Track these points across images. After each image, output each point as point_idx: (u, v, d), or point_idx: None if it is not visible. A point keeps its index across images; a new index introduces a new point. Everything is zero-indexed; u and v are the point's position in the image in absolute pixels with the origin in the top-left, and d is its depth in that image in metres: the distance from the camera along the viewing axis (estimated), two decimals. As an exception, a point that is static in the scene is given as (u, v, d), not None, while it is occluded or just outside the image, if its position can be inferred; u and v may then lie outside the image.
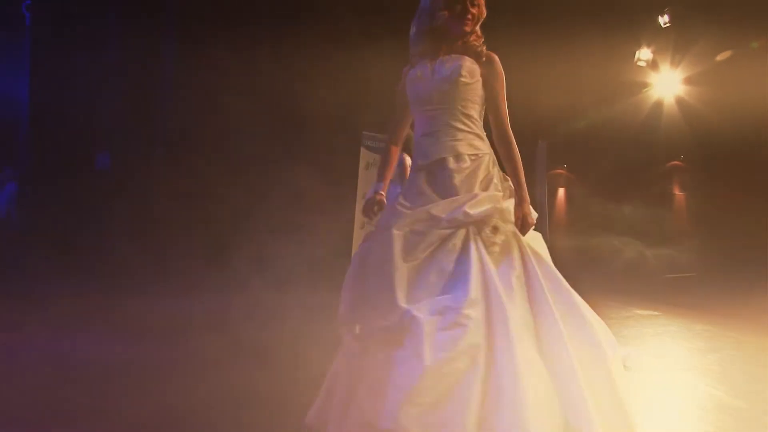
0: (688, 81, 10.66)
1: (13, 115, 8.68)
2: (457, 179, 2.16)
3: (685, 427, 2.91)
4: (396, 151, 2.50)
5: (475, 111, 2.25)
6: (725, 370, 3.93)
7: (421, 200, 2.16)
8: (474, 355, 1.87)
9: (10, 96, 8.62)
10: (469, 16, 2.23)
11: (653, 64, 10.56)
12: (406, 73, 2.36)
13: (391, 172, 2.53)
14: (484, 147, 2.24)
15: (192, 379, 3.63)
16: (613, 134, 10.88)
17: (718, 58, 9.52)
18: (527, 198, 2.18)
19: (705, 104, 10.41)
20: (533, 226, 2.17)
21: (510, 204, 2.17)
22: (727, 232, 10.67)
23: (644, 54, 10.31)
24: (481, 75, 2.24)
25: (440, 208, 2.10)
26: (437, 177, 2.19)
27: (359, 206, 7.99)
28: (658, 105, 11.25)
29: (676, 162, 13.20)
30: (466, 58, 2.24)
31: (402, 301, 1.99)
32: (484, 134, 2.27)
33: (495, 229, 2.07)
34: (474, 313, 1.91)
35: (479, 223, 2.08)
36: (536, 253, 2.10)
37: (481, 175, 2.19)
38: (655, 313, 6.20)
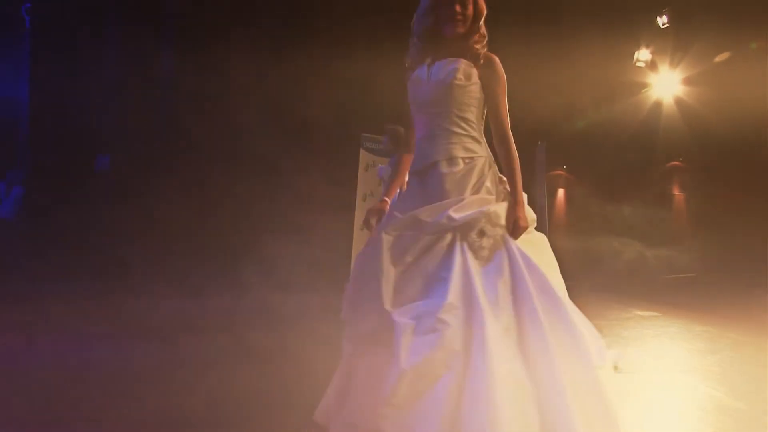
0: (687, 81, 10.67)
1: (13, 118, 8.69)
2: (449, 183, 2.15)
3: (685, 429, 2.91)
4: (408, 159, 2.44)
5: (473, 114, 2.23)
6: (725, 371, 3.93)
7: (413, 204, 2.17)
8: (449, 360, 1.89)
9: (10, 98, 8.63)
10: (459, 17, 2.22)
11: (652, 65, 10.58)
12: (410, 77, 2.36)
13: (401, 181, 2.55)
14: (480, 150, 2.22)
15: (195, 379, 3.63)
16: (612, 135, 10.89)
17: (717, 59, 9.53)
18: (522, 201, 2.16)
19: (704, 105, 10.42)
20: (526, 230, 2.14)
21: (500, 207, 2.13)
22: (726, 233, 10.68)
23: (643, 55, 10.33)
24: (480, 77, 2.22)
25: (427, 213, 2.11)
26: (430, 181, 2.20)
27: (359, 208, 8.01)
28: (657, 105, 11.26)
29: (675, 162, 13.21)
30: (463, 60, 2.22)
31: (387, 305, 2.02)
32: (481, 137, 2.25)
33: (481, 233, 2.05)
34: (450, 318, 1.92)
35: (465, 228, 2.06)
36: (526, 258, 2.05)
37: (473, 178, 2.17)
38: (655, 314, 6.21)
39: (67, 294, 6.53)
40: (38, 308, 5.78)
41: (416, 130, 2.33)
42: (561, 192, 13.30)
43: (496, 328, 1.91)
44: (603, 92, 10.30)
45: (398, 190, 2.60)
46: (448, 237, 2.07)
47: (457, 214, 2.06)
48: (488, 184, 2.18)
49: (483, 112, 2.28)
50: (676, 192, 13.45)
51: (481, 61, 2.23)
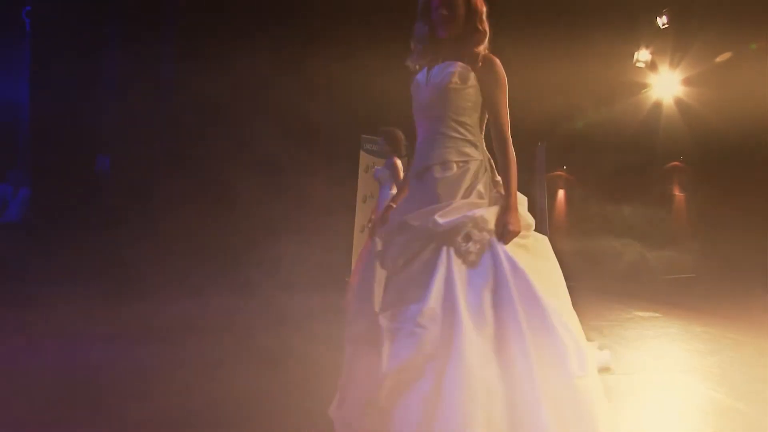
0: (687, 82, 10.66)
1: (13, 120, 8.71)
2: (441, 187, 2.15)
3: (685, 430, 2.92)
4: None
5: (470, 117, 2.21)
6: (725, 372, 3.93)
7: (409, 208, 2.20)
8: (426, 365, 1.91)
9: (10, 100, 8.65)
10: (447, 20, 2.21)
11: (652, 65, 10.58)
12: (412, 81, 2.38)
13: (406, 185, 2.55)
14: (476, 153, 2.20)
15: (198, 380, 3.64)
16: (612, 135, 10.89)
17: (718, 59, 9.52)
18: (514, 206, 2.12)
19: (704, 105, 10.42)
20: (521, 235, 2.10)
21: (489, 212, 2.10)
22: (727, 233, 10.67)
23: (643, 55, 10.33)
24: (478, 80, 2.20)
25: (415, 217, 2.12)
26: (425, 185, 2.20)
27: (360, 209, 8.04)
28: (657, 106, 11.26)
29: (675, 163, 13.21)
30: (460, 63, 2.20)
31: (376, 308, 2.07)
32: (479, 140, 2.22)
33: (467, 238, 2.04)
34: (428, 323, 1.94)
35: (451, 232, 2.05)
36: (513, 263, 2.01)
37: (466, 182, 2.15)
38: (656, 314, 6.21)
39: (69, 295, 6.52)
40: (41, 310, 5.78)
41: (418, 133, 2.33)
42: (561, 193, 13.30)
43: (474, 334, 1.90)
44: (603, 93, 10.30)
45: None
46: (435, 242, 2.07)
47: (442, 219, 2.06)
48: (480, 188, 2.16)
49: (483, 115, 2.25)
50: (676, 192, 13.44)
51: (480, 63, 2.20)
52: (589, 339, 2.11)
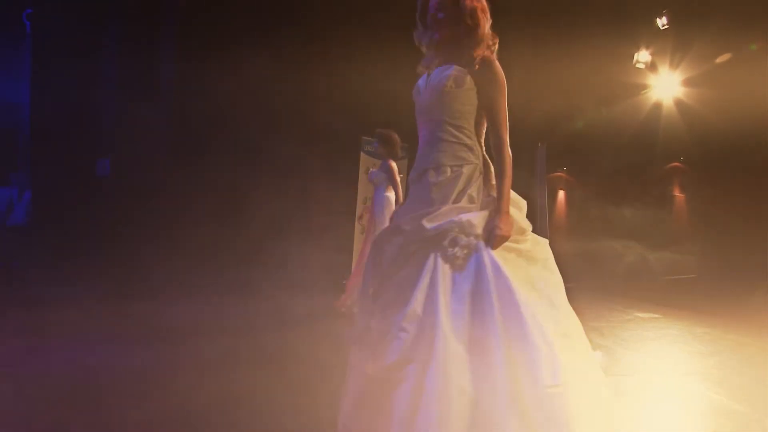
0: (687, 83, 10.66)
1: (14, 122, 8.72)
2: (434, 192, 2.15)
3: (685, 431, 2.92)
4: None
5: (466, 121, 2.19)
6: (725, 374, 3.94)
7: (405, 212, 2.22)
8: (407, 368, 1.93)
9: (11, 103, 8.66)
10: (438, 22, 2.21)
11: (652, 66, 10.58)
12: None
13: None
14: (472, 157, 2.18)
15: (201, 381, 3.65)
16: (612, 136, 10.89)
17: (718, 60, 9.52)
18: (504, 210, 2.08)
19: (704, 106, 10.41)
20: (515, 240, 2.08)
21: (477, 216, 2.08)
22: (727, 233, 10.66)
23: (643, 56, 10.33)
24: (475, 82, 2.17)
25: (407, 222, 2.14)
26: (420, 189, 2.20)
27: (359, 211, 8.05)
28: (657, 107, 11.25)
29: (675, 163, 13.21)
30: (456, 66, 2.19)
31: (369, 310, 2.11)
32: (475, 144, 2.20)
33: (453, 243, 2.03)
34: (411, 327, 1.96)
35: (438, 237, 2.06)
36: (497, 269, 1.99)
37: (459, 186, 2.14)
38: (656, 315, 6.21)
39: (71, 297, 6.54)
40: (43, 312, 5.79)
41: (419, 137, 2.34)
42: (561, 194, 13.31)
43: (453, 339, 1.90)
44: (603, 94, 10.30)
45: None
46: (425, 246, 2.07)
47: (429, 224, 2.07)
48: (472, 192, 2.15)
49: (481, 118, 2.22)
50: (676, 193, 13.45)
51: (477, 65, 2.18)
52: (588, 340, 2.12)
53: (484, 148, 2.24)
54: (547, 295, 2.05)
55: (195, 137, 8.70)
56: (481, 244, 2.04)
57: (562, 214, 13.20)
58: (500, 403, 1.83)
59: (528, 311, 1.92)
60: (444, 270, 2.01)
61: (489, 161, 2.22)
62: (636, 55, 10.28)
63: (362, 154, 8.40)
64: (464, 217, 2.07)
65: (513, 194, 2.19)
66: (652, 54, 10.34)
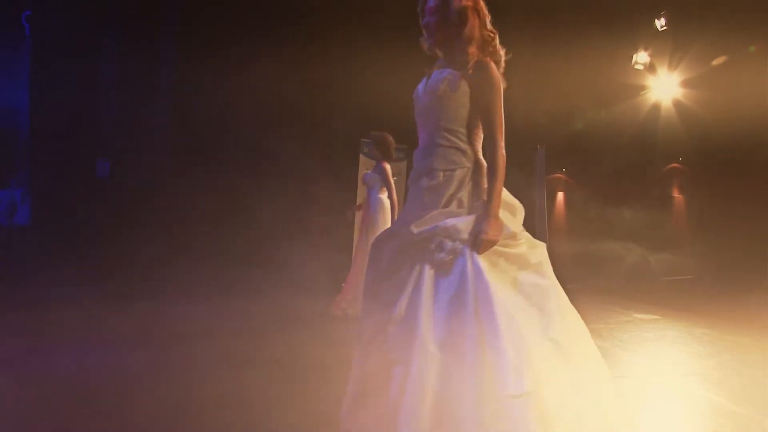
0: (686, 84, 10.68)
1: (13, 124, 8.72)
2: (427, 196, 2.15)
3: (684, 433, 2.92)
4: None
5: (461, 124, 2.18)
6: (725, 375, 3.94)
7: (402, 216, 2.26)
8: (390, 370, 1.96)
9: (10, 105, 8.66)
10: (428, 27, 2.22)
11: (650, 68, 10.60)
12: None
13: None
14: (465, 161, 2.17)
15: (200, 382, 3.65)
16: (611, 137, 10.90)
17: (714, 63, 9.55)
18: (492, 214, 2.05)
19: (702, 107, 10.43)
20: (493, 244, 2.04)
21: (463, 221, 2.07)
22: (726, 234, 10.67)
23: (641, 57, 10.35)
24: (469, 85, 2.15)
25: (399, 226, 2.18)
26: (415, 193, 2.22)
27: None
28: (656, 108, 11.27)
29: (674, 165, 13.22)
30: (450, 70, 2.19)
31: (369, 310, 2.16)
32: (469, 148, 2.18)
33: (439, 248, 2.04)
34: (395, 330, 2.00)
35: (425, 242, 2.06)
36: (479, 274, 1.97)
37: (450, 190, 2.14)
38: (655, 317, 6.21)
39: (71, 298, 6.55)
40: (43, 312, 5.80)
41: (419, 141, 2.35)
42: (560, 195, 13.32)
43: (431, 344, 1.92)
44: (601, 95, 10.32)
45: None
46: (414, 250, 2.09)
47: (416, 229, 2.09)
48: (462, 196, 2.14)
49: (476, 121, 2.20)
50: (675, 194, 13.45)
51: (471, 67, 2.16)
52: None
53: (481, 152, 2.21)
54: (536, 300, 2.02)
55: (195, 138, 8.71)
56: (467, 248, 2.03)
57: (561, 215, 13.21)
58: (465, 409, 1.83)
59: (503, 317, 1.91)
60: (430, 274, 2.03)
61: (484, 164, 2.20)
62: (635, 56, 10.31)
63: (361, 156, 8.41)
64: (450, 221, 2.07)
65: (508, 198, 2.18)
66: (650, 55, 10.37)
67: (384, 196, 5.90)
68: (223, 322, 5.71)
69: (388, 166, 5.84)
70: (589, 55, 8.73)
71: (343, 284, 6.05)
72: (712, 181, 11.60)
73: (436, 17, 2.20)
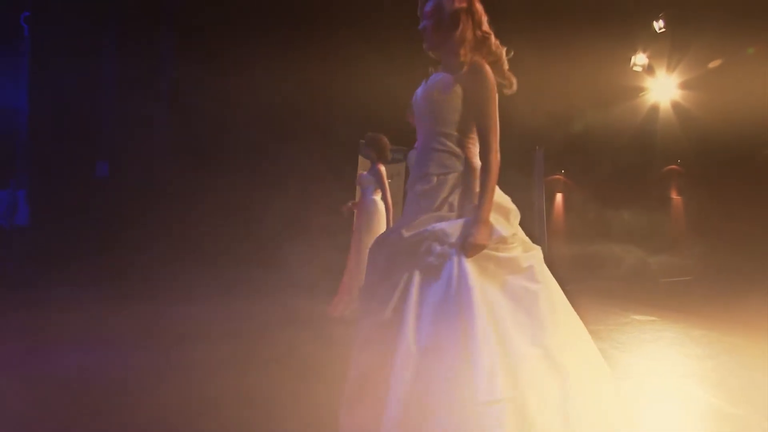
0: (684, 85, 10.71)
1: (12, 125, 8.72)
2: (421, 200, 2.16)
3: (682, 435, 2.92)
4: None
5: (453, 128, 2.17)
6: (723, 377, 3.94)
7: (399, 220, 2.27)
8: (379, 372, 1.99)
9: (9, 106, 8.66)
10: (423, 32, 2.22)
11: (649, 69, 10.62)
12: None
13: None
14: (458, 165, 2.16)
15: (201, 383, 3.66)
16: (609, 139, 10.92)
17: (710, 65, 9.59)
18: (482, 218, 2.03)
19: (701, 109, 10.45)
20: (481, 248, 2.02)
21: (452, 225, 2.06)
22: (724, 236, 10.68)
23: (640, 59, 10.38)
24: (463, 88, 2.14)
25: (394, 229, 2.21)
26: (410, 197, 2.24)
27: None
28: (654, 110, 11.29)
29: (672, 166, 13.23)
30: (444, 73, 2.19)
31: (362, 313, 2.21)
32: (462, 151, 2.17)
33: (428, 252, 2.04)
34: (383, 332, 2.03)
35: (414, 246, 2.08)
36: (464, 279, 1.97)
37: (443, 194, 2.14)
38: (653, 318, 6.21)
39: (71, 299, 6.55)
40: (42, 313, 5.81)
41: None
42: (559, 196, 13.32)
43: (413, 347, 1.93)
44: (600, 97, 10.34)
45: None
46: (408, 254, 2.10)
47: (407, 233, 2.10)
48: (453, 200, 2.13)
49: (470, 125, 2.17)
50: (674, 196, 13.45)
51: (464, 71, 2.14)
52: None
53: (477, 156, 2.19)
54: (526, 305, 1.99)
55: (194, 138, 8.71)
56: (455, 252, 2.02)
57: (560, 216, 13.21)
58: (440, 414, 1.84)
59: (481, 323, 1.89)
60: (419, 278, 2.03)
61: (477, 168, 2.17)
62: (633, 58, 10.33)
63: (360, 158, 8.41)
64: (439, 225, 2.07)
65: (503, 201, 2.17)
66: (649, 57, 10.40)
67: (378, 197, 5.89)
68: (224, 322, 5.71)
69: (383, 168, 5.83)
70: (588, 57, 8.75)
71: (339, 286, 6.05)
72: (711, 183, 11.61)
73: (431, 21, 2.20)
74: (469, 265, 2.00)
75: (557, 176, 13.25)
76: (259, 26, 8.63)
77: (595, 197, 11.29)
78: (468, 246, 2.01)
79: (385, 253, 2.17)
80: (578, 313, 2.15)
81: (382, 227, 5.66)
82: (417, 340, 1.94)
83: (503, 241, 2.08)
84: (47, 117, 8.50)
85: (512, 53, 2.26)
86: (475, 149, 2.19)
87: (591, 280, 8.94)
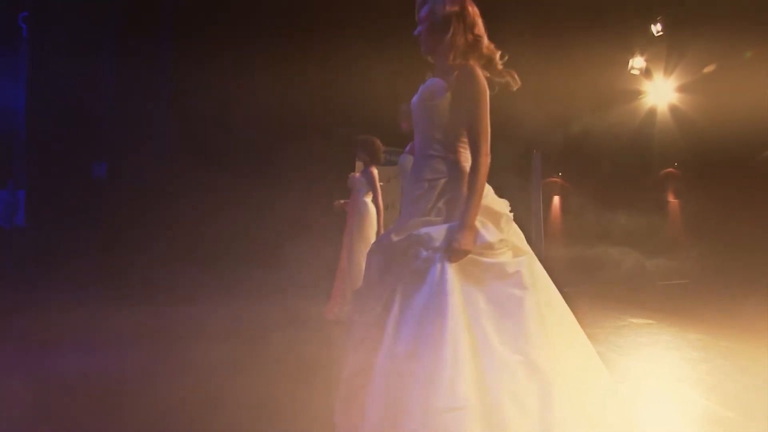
0: (681, 89, 10.74)
1: (10, 126, 8.72)
2: (414, 205, 2.18)
3: (677, 439, 2.93)
4: None
5: (444, 133, 2.17)
6: (718, 381, 3.95)
7: (394, 224, 2.31)
8: (366, 371, 2.03)
9: (7, 107, 8.66)
10: (422, 36, 2.23)
11: (646, 73, 10.66)
12: None
13: None
14: (450, 170, 2.16)
15: (200, 383, 3.67)
16: (607, 142, 10.95)
17: (705, 70, 9.63)
18: (466, 223, 2.02)
19: (698, 112, 10.48)
20: (465, 253, 2.00)
21: (437, 230, 2.06)
22: (721, 239, 10.71)
23: (637, 62, 10.41)
24: (454, 92, 2.14)
25: (387, 233, 2.24)
26: (405, 202, 2.28)
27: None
28: (652, 113, 11.33)
29: (669, 169, 13.26)
30: (435, 78, 2.20)
31: (357, 313, 2.30)
32: (453, 155, 2.17)
33: (415, 256, 2.05)
34: (370, 333, 2.09)
35: (402, 249, 2.10)
36: (443, 282, 1.96)
37: (433, 199, 2.14)
38: (650, 321, 6.22)
39: (69, 300, 6.53)
40: (41, 314, 5.80)
41: None
42: (556, 199, 13.34)
43: (394, 350, 1.96)
44: (598, 100, 10.36)
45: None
46: (397, 258, 2.13)
47: (396, 237, 2.13)
48: (441, 205, 2.14)
49: (461, 129, 2.17)
50: (671, 199, 13.49)
51: (455, 75, 2.14)
52: None
53: (470, 160, 2.17)
54: (511, 311, 1.98)
55: (194, 139, 8.70)
56: (439, 257, 2.02)
57: (557, 219, 13.23)
58: (408, 419, 1.85)
59: (450, 329, 1.88)
60: (406, 282, 2.05)
61: (467, 173, 2.16)
62: (631, 61, 10.36)
63: (357, 160, 8.40)
64: (425, 230, 2.08)
65: (494, 206, 2.15)
66: (646, 60, 10.43)
67: (369, 200, 5.90)
68: (223, 322, 5.71)
69: (375, 171, 5.83)
70: (586, 60, 8.77)
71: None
72: (708, 186, 11.63)
73: (425, 26, 2.21)
74: (453, 270, 1.99)
75: (555, 179, 13.27)
76: (259, 26, 8.64)
77: (593, 200, 11.30)
78: (451, 251, 2.00)
79: (379, 257, 2.20)
80: (575, 316, 2.15)
81: (373, 229, 5.68)
82: (398, 344, 1.96)
83: (489, 246, 2.06)
84: (46, 117, 8.49)
85: (506, 57, 2.26)
86: (467, 154, 2.17)
87: (588, 282, 8.94)
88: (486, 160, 2.10)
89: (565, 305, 2.15)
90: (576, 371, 2.00)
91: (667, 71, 10.65)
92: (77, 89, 8.33)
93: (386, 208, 7.98)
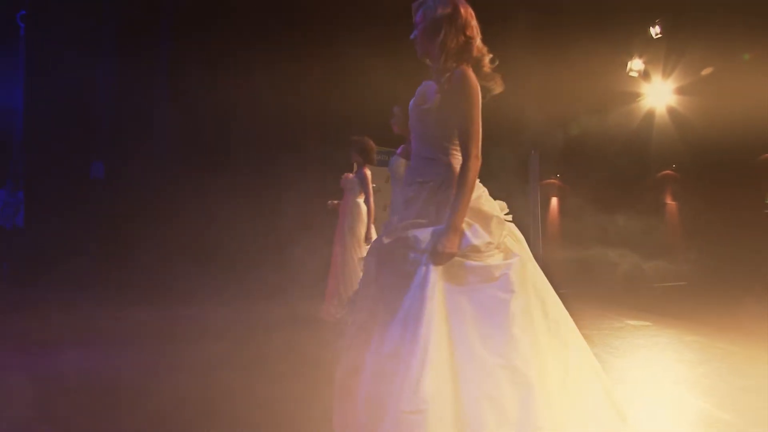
0: (680, 91, 10.77)
1: (8, 125, 8.71)
2: (407, 208, 2.20)
3: (673, 441, 2.94)
4: None
5: (436, 136, 2.17)
6: (714, 383, 3.97)
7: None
8: (356, 371, 2.06)
9: (4, 106, 8.64)
10: (417, 40, 2.23)
11: (645, 75, 10.68)
12: None
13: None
14: (441, 172, 2.15)
15: (200, 384, 3.68)
16: (605, 144, 10.96)
17: (702, 73, 9.66)
18: (452, 226, 2.00)
19: (696, 114, 10.51)
20: (450, 256, 1.99)
21: (423, 232, 2.05)
22: (718, 241, 10.73)
23: (636, 64, 10.44)
24: (446, 94, 2.13)
25: (381, 235, 2.26)
26: (397, 203, 2.31)
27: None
28: (650, 115, 11.36)
29: (668, 171, 13.29)
30: (428, 82, 2.22)
31: (353, 313, 2.29)
32: (446, 158, 2.16)
33: (402, 258, 2.06)
34: (361, 334, 2.11)
35: (391, 252, 2.11)
36: (424, 285, 1.95)
37: (421, 202, 2.15)
38: (647, 323, 6.24)
39: (67, 301, 6.54)
40: (39, 315, 5.80)
41: None
42: (554, 201, 13.35)
43: (379, 349, 1.99)
44: (596, 101, 10.39)
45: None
46: (388, 260, 2.14)
47: (386, 239, 2.15)
48: (431, 207, 2.13)
49: (454, 131, 2.16)
50: (669, 201, 13.51)
51: (447, 77, 2.13)
52: None
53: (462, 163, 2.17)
54: (494, 315, 1.95)
55: (193, 139, 8.70)
56: (425, 259, 2.01)
57: (555, 221, 13.24)
58: (384, 420, 1.86)
59: (425, 331, 1.88)
60: (394, 284, 2.06)
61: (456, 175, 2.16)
62: (629, 63, 10.39)
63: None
64: (412, 232, 2.08)
65: (485, 208, 2.13)
66: (645, 62, 10.45)
67: (361, 200, 5.92)
68: (223, 322, 5.72)
69: (368, 172, 5.85)
70: (585, 62, 8.79)
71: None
72: (706, 188, 11.66)
73: (419, 29, 2.22)
74: (436, 273, 1.98)
75: (552, 180, 13.28)
76: (259, 26, 8.64)
77: (591, 202, 11.32)
78: (435, 254, 1.99)
79: (374, 259, 2.21)
80: (572, 318, 2.14)
81: (363, 230, 5.73)
82: (384, 346, 1.97)
83: (476, 249, 2.03)
84: (44, 117, 8.48)
85: (497, 62, 2.25)
86: (459, 156, 2.16)
87: (586, 284, 8.96)
88: (476, 163, 2.09)
89: (562, 307, 2.13)
90: (567, 375, 1.98)
91: (666, 73, 10.67)
92: (76, 89, 8.32)
93: (384, 208, 8.01)
